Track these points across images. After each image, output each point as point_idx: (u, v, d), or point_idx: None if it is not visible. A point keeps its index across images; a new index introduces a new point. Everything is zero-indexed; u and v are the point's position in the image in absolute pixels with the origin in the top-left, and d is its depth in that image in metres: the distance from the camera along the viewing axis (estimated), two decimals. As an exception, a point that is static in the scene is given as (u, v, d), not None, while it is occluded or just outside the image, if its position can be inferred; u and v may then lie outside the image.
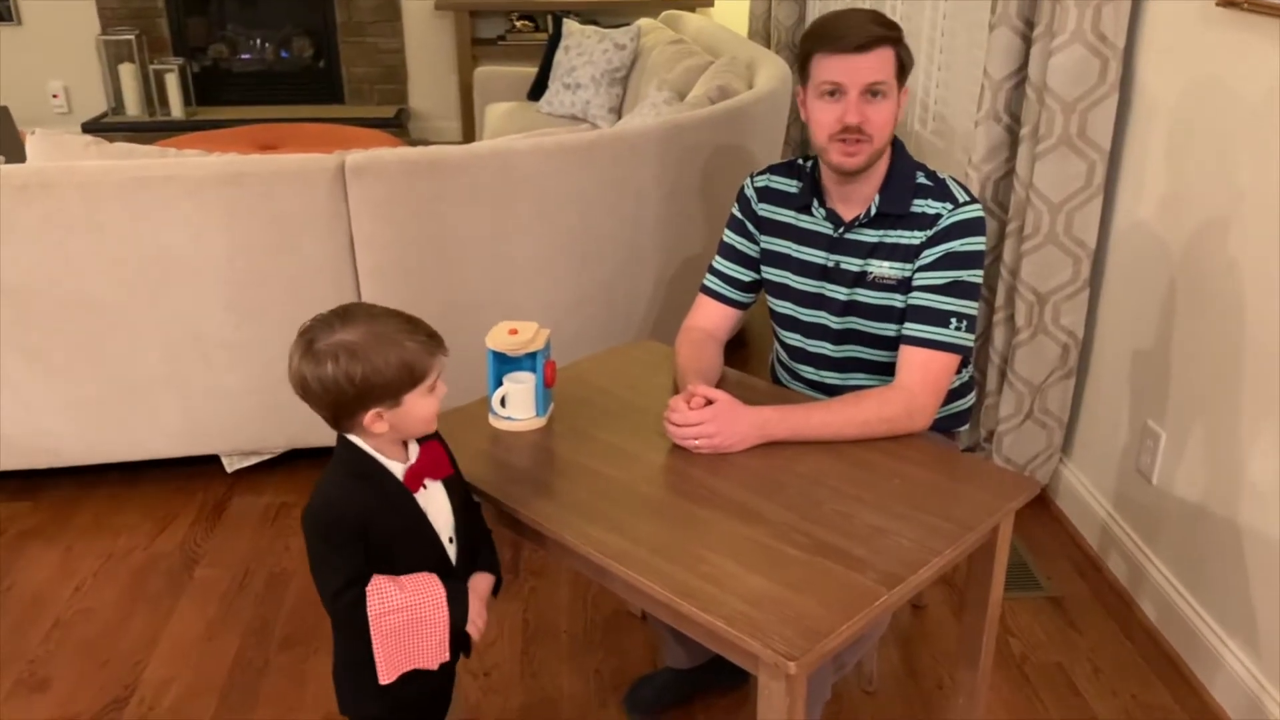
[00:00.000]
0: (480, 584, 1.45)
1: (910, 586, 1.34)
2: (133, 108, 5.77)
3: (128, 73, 5.70)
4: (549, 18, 6.02)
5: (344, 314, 1.31)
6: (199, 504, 2.68)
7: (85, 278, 2.45)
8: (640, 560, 1.36)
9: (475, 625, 1.41)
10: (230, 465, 2.77)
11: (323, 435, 2.71)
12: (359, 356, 1.26)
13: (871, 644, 1.96)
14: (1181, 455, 2.14)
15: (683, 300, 2.82)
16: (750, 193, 1.89)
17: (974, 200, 1.73)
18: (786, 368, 1.98)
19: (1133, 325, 2.31)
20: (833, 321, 1.83)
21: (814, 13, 4.69)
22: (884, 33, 1.65)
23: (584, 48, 4.78)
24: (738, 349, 3.43)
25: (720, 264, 1.93)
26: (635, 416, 1.73)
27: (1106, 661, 2.14)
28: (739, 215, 1.91)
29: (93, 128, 5.58)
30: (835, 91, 1.67)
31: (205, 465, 2.80)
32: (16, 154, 3.91)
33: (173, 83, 5.72)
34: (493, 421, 1.70)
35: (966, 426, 2.02)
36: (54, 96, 5.96)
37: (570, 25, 4.93)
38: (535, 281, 2.71)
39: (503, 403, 1.68)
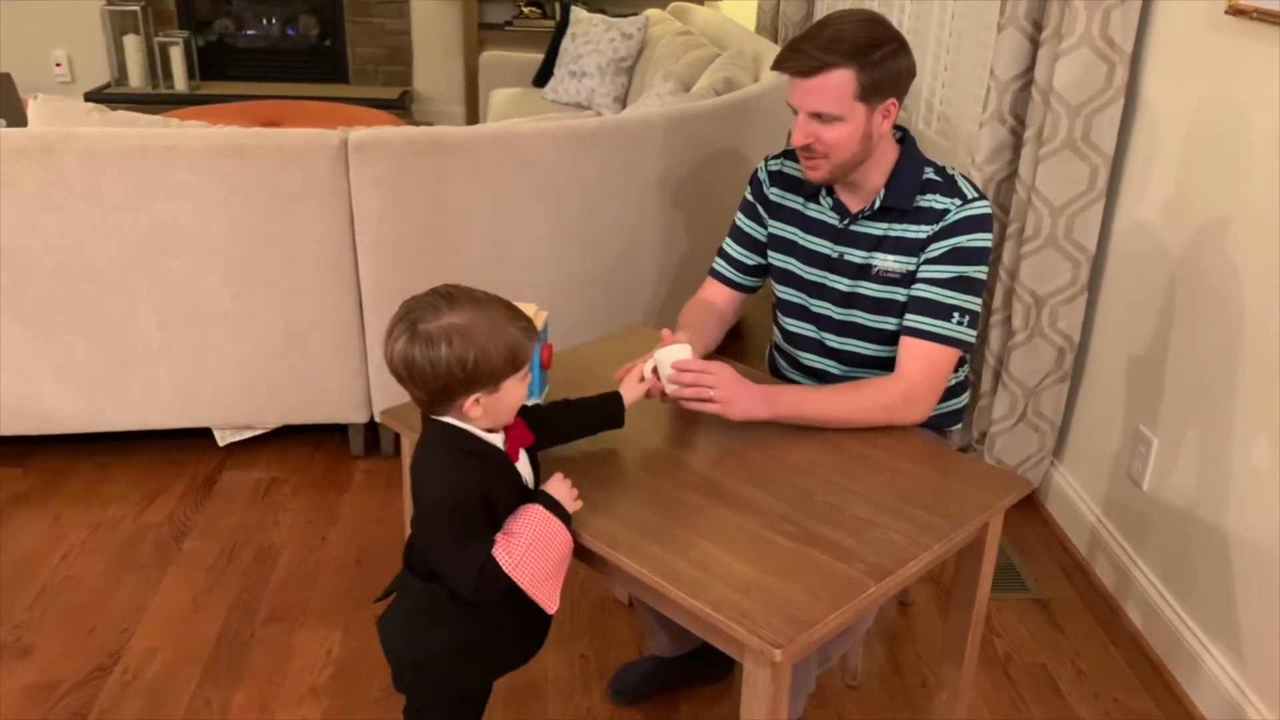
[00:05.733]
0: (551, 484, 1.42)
1: (899, 580, 1.34)
2: (136, 79, 5.74)
3: (132, 44, 5.67)
4: (556, 5, 6.00)
5: (448, 296, 1.29)
6: (189, 476, 2.68)
7: (83, 244, 2.44)
8: (629, 544, 1.36)
9: (572, 503, 1.39)
10: (222, 439, 2.77)
11: (316, 412, 2.74)
12: (471, 340, 1.25)
13: (857, 638, 1.96)
14: (1173, 462, 2.14)
15: (684, 289, 2.82)
16: (763, 175, 1.89)
17: (982, 197, 1.73)
18: (785, 355, 1.97)
19: (1129, 331, 2.32)
20: (835, 312, 1.83)
21: (821, 7, 4.68)
22: (832, 59, 1.60)
23: (591, 36, 4.77)
24: (734, 340, 3.42)
25: (729, 247, 1.94)
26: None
27: (1090, 664, 2.14)
28: (750, 198, 1.91)
29: (95, 98, 5.55)
30: (795, 110, 1.68)
31: (197, 438, 2.79)
32: (18, 120, 3.89)
33: (177, 56, 5.70)
34: (487, 402, 1.70)
35: (959, 425, 2.02)
36: (57, 65, 5.92)
37: (578, 13, 4.92)
38: (536, 265, 2.70)
39: (498, 383, 1.68)
